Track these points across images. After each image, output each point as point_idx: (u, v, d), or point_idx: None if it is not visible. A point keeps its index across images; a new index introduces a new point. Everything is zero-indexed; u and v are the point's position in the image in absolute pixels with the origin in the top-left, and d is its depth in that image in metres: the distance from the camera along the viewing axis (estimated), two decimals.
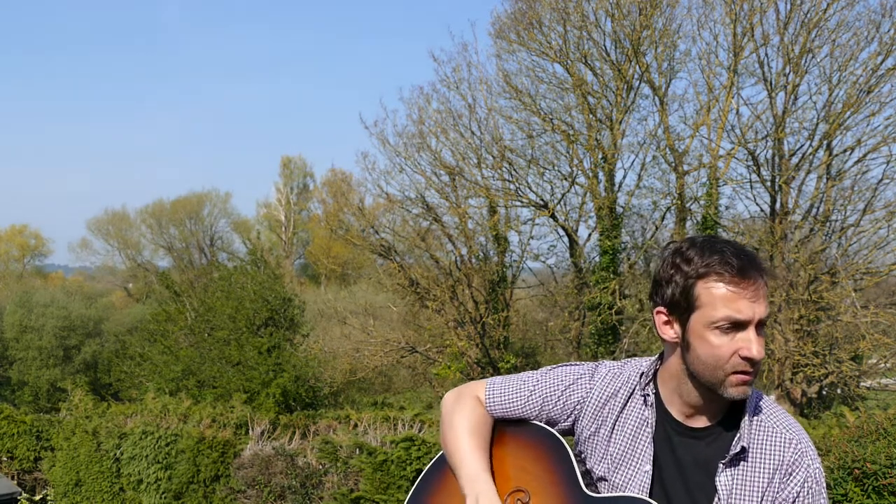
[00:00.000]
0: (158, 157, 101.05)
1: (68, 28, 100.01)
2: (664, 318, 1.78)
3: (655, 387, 1.85)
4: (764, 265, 1.73)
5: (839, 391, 16.02)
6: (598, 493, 1.84)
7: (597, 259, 18.05)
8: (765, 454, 1.74)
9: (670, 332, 1.77)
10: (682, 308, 1.73)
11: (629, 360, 1.94)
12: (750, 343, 1.67)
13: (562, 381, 1.93)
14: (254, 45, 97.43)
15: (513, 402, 1.94)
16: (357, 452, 8.51)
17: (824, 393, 16.34)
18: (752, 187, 15.88)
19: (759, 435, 1.75)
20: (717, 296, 1.68)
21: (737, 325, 1.68)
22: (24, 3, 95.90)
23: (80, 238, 51.47)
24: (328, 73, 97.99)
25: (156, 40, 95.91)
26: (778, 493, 1.72)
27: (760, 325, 1.70)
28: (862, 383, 16.52)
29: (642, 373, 1.87)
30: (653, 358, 1.90)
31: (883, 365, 15.83)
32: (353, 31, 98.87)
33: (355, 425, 10.74)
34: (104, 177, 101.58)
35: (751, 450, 1.74)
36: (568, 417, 1.92)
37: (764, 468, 1.73)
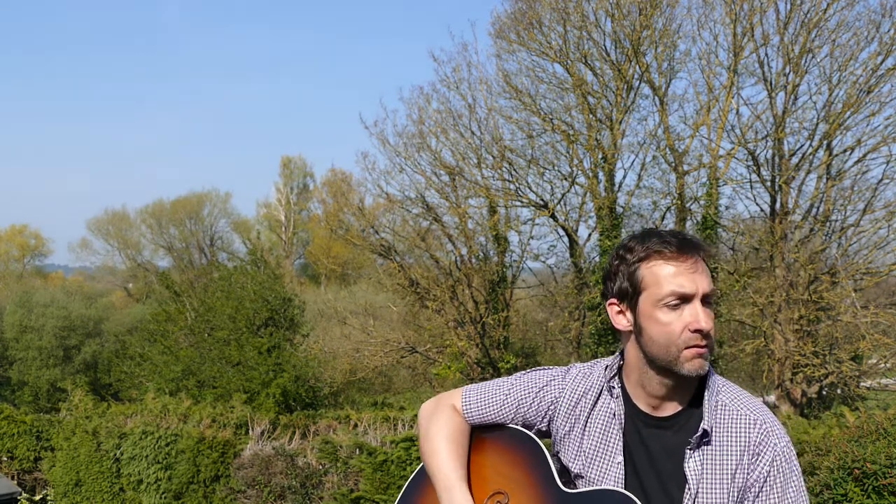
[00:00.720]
0: (158, 157, 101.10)
1: (68, 28, 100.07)
2: (616, 308, 1.84)
3: (621, 381, 1.88)
4: (701, 243, 1.79)
5: (839, 391, 16.01)
6: (576, 489, 1.86)
7: (597, 259, 18.04)
8: (730, 436, 1.75)
9: (623, 321, 1.83)
10: (629, 294, 1.80)
11: (598, 360, 1.97)
12: (698, 315, 1.72)
13: (535, 383, 1.97)
14: (254, 45, 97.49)
15: (489, 407, 1.97)
16: (357, 452, 8.51)
17: (824, 393, 16.33)
18: (752, 187, 15.88)
19: (722, 418, 1.77)
20: (660, 274, 1.75)
21: (683, 300, 1.74)
22: (24, 2, 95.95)
23: (80, 238, 51.52)
24: (328, 73, 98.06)
25: (156, 40, 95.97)
26: (749, 474, 1.73)
27: (707, 300, 1.75)
28: (862, 383, 16.51)
29: (606, 366, 1.91)
30: (616, 354, 1.94)
31: (883, 365, 15.82)
32: (353, 31, 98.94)
33: (355, 425, 10.74)
34: (104, 177, 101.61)
35: (715, 433, 1.76)
36: (543, 419, 1.96)
37: (731, 451, 1.74)
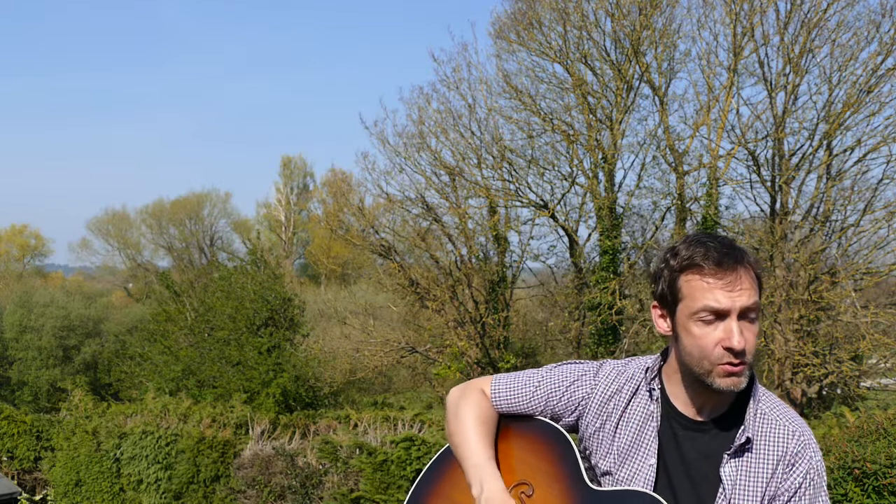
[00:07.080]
0: (158, 157, 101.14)
1: (68, 27, 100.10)
2: (658, 311, 1.84)
3: (661, 382, 1.88)
4: (746, 256, 1.76)
5: (839, 391, 16.02)
6: (603, 487, 1.85)
7: (597, 259, 18.04)
8: (769, 445, 1.76)
9: (664, 326, 1.83)
10: (669, 301, 1.80)
11: (632, 358, 1.98)
12: (731, 333, 1.70)
13: (566, 377, 1.96)
14: (254, 45, 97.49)
15: (518, 397, 1.97)
16: (357, 452, 8.51)
17: (824, 393, 16.33)
18: (752, 187, 15.88)
19: (763, 426, 1.78)
20: (696, 287, 1.73)
21: (718, 316, 1.72)
22: (24, 2, 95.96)
23: (80, 238, 51.54)
24: (328, 73, 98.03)
25: (156, 39, 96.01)
26: (781, 483, 1.75)
27: (747, 315, 1.72)
28: (862, 383, 16.51)
29: (647, 368, 1.91)
30: (656, 355, 1.94)
31: (883, 365, 15.81)
32: (353, 31, 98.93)
33: (355, 425, 10.74)
34: (104, 177, 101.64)
35: (755, 441, 1.77)
36: (572, 413, 1.95)
37: (768, 459, 1.76)
